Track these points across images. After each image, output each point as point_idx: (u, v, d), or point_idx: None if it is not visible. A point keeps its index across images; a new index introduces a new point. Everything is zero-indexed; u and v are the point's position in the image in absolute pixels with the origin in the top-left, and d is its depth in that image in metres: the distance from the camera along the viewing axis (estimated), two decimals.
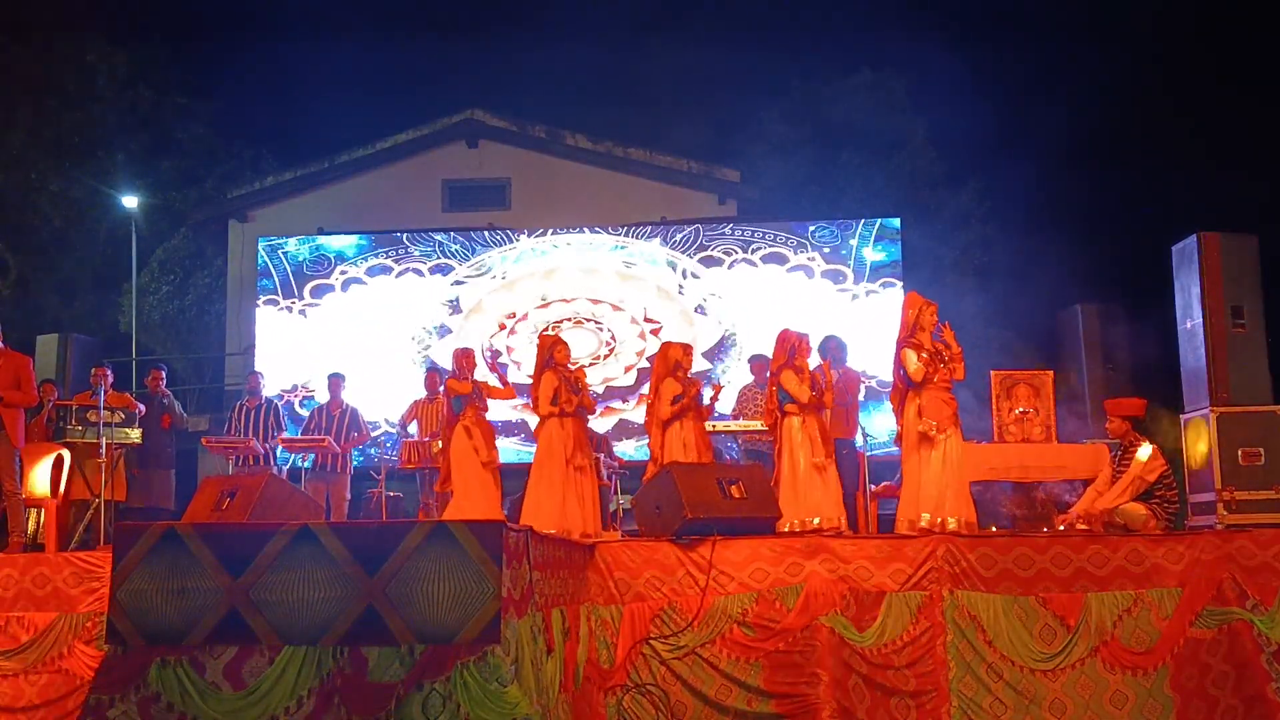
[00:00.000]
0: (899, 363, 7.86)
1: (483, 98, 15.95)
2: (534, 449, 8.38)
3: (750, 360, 10.68)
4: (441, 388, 9.56)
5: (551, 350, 8.24)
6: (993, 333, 16.74)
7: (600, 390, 12.96)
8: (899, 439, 8.00)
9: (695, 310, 13.56)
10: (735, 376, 12.29)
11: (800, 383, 8.01)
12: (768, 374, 10.18)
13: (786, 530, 7.44)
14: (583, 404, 8.22)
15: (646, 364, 13.34)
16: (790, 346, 8.19)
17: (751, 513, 7.12)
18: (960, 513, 7.53)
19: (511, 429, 13.18)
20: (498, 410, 12.51)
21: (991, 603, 6.75)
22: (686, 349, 8.52)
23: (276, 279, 14.03)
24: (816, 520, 7.67)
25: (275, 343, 13.84)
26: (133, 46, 19.44)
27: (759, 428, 9.67)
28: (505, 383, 9.04)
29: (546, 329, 13.33)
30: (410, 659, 5.31)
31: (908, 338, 7.89)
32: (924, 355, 7.71)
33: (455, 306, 13.81)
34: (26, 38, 18.32)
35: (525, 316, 13.71)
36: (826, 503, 7.82)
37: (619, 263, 13.76)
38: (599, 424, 12.19)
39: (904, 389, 7.89)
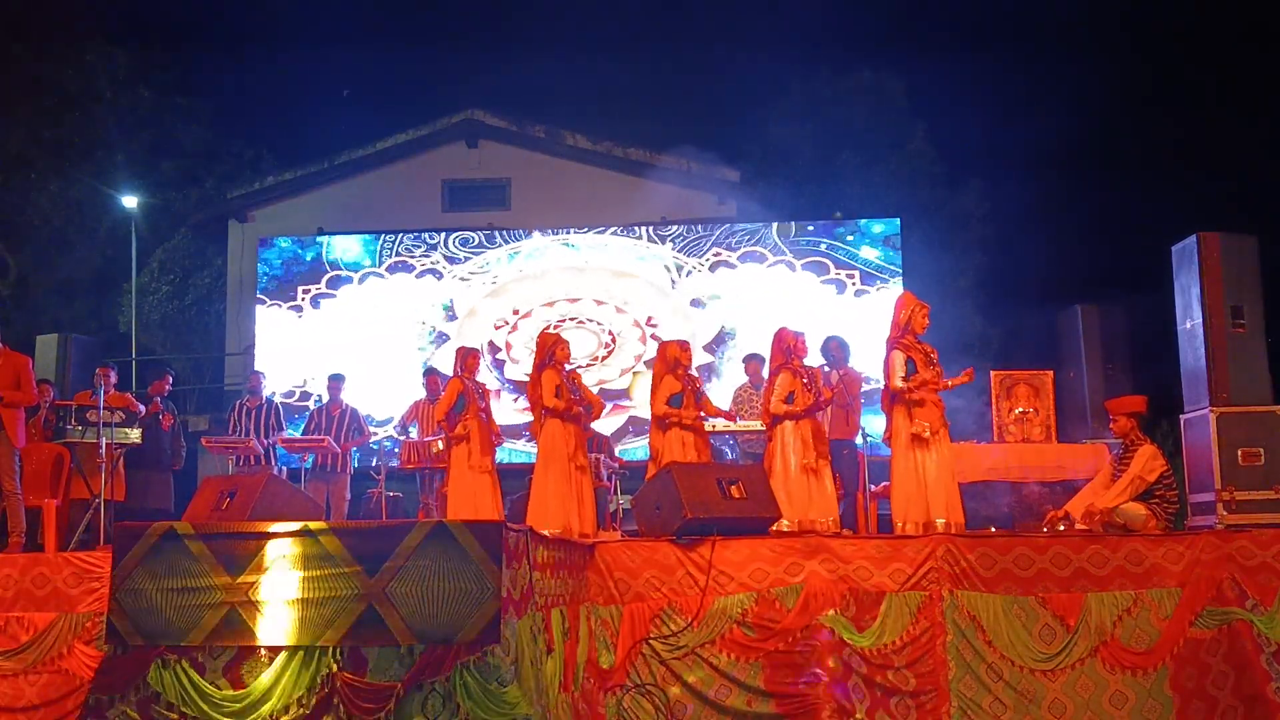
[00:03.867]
0: (887, 365, 7.86)
1: (483, 98, 15.94)
2: (529, 449, 8.37)
3: (745, 360, 10.67)
4: (443, 387, 9.54)
5: (553, 349, 8.21)
6: (993, 333, 16.76)
7: (596, 391, 12.96)
8: (887, 437, 8.00)
9: (695, 309, 13.56)
10: (732, 377, 12.29)
11: (786, 390, 8.01)
12: (764, 374, 10.21)
13: (773, 531, 7.42)
14: (586, 401, 8.20)
15: (644, 367, 13.35)
16: (787, 347, 8.17)
17: (751, 513, 7.12)
18: (953, 515, 7.56)
19: (516, 431, 13.17)
20: (501, 413, 12.54)
21: (991, 603, 6.75)
22: (684, 346, 8.42)
23: (276, 279, 14.03)
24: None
25: (275, 343, 13.84)
26: (133, 46, 19.43)
27: (758, 428, 9.67)
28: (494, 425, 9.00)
29: (547, 328, 13.34)
30: (410, 659, 5.32)
31: (897, 339, 7.89)
32: (914, 357, 7.73)
33: (454, 306, 13.81)
34: (26, 38, 18.31)
35: (527, 315, 13.71)
36: (815, 506, 7.81)
37: (618, 263, 13.75)
38: (604, 424, 12.21)
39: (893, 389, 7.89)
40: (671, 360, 8.28)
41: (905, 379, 7.72)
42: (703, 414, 8.42)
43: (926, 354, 7.82)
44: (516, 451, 12.89)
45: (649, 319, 13.61)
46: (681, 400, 8.22)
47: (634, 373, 13.43)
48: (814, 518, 7.77)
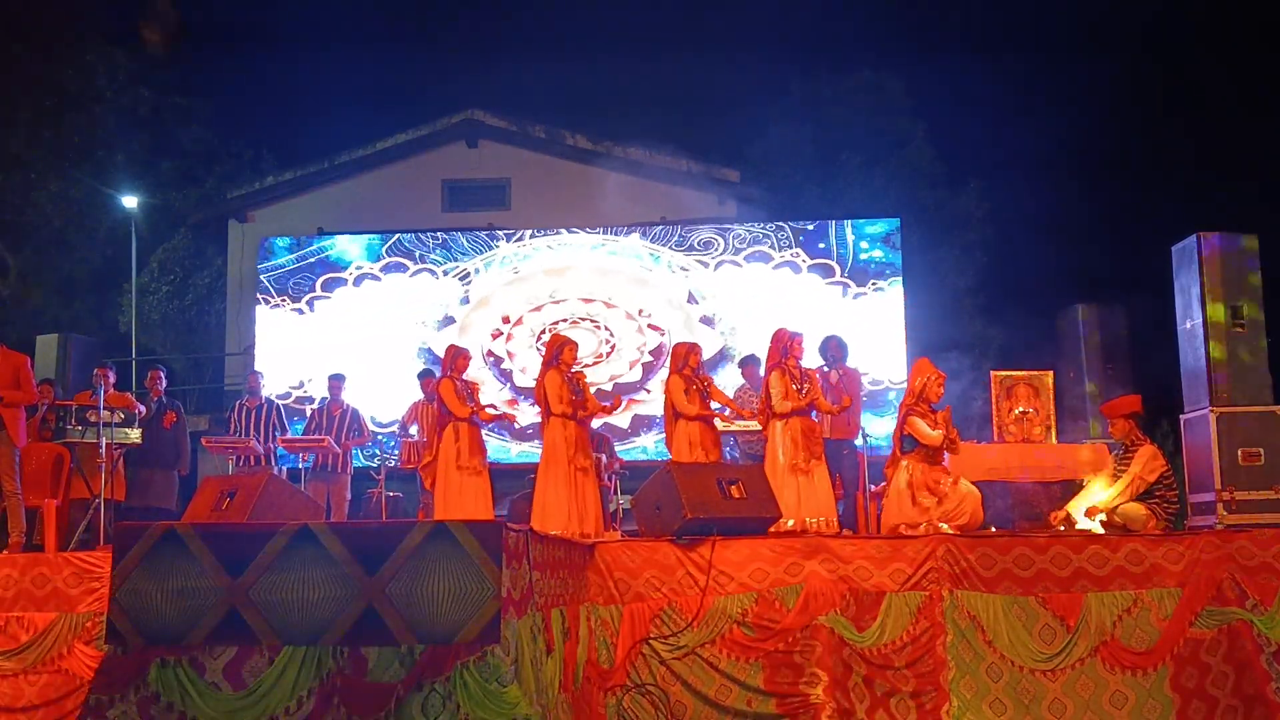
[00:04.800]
0: (905, 430, 7.86)
1: (483, 98, 15.97)
2: (519, 447, 8.37)
3: (742, 363, 10.69)
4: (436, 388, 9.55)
5: (560, 350, 8.26)
6: (993, 333, 16.77)
7: (609, 387, 12.99)
8: (884, 492, 8.02)
9: (694, 309, 13.56)
10: (730, 377, 12.29)
11: (784, 388, 8.02)
12: (761, 375, 10.22)
13: (772, 531, 7.42)
14: (584, 405, 8.23)
15: (650, 358, 13.36)
16: (782, 346, 8.23)
17: (751, 513, 7.12)
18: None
19: (516, 432, 13.16)
20: (521, 413, 12.53)
21: (991, 603, 6.75)
22: (692, 347, 8.60)
23: (276, 279, 14.03)
24: (791, 523, 7.68)
25: (275, 343, 13.84)
26: (133, 46, 19.42)
27: (757, 428, 9.68)
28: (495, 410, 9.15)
29: (551, 326, 13.35)
30: (410, 659, 5.31)
31: (913, 405, 7.88)
32: (930, 422, 7.77)
33: (455, 306, 13.81)
34: (26, 38, 18.30)
35: (524, 318, 13.71)
36: (807, 506, 7.82)
37: (618, 263, 13.75)
38: (615, 420, 12.27)
39: (900, 456, 7.89)
40: (680, 360, 8.43)
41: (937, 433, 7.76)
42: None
43: (938, 423, 7.82)
44: (510, 451, 12.90)
45: (644, 313, 13.61)
46: (686, 398, 8.33)
47: (642, 364, 13.45)
48: (805, 517, 7.78)
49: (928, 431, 7.75)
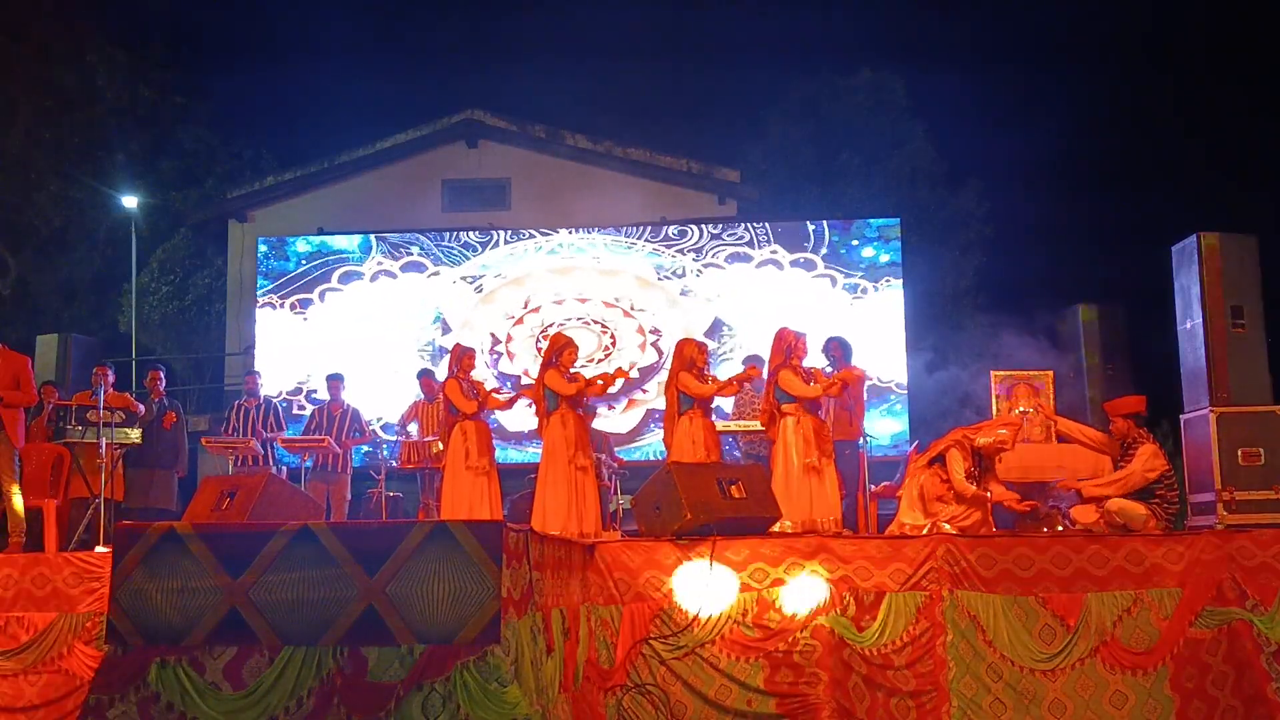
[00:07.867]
0: (945, 454, 7.85)
1: (483, 98, 15.98)
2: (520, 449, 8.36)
3: (744, 364, 10.67)
4: (439, 388, 9.55)
5: (561, 350, 8.25)
6: (993, 333, 16.76)
7: (635, 375, 12.98)
8: (900, 486, 8.03)
9: (694, 309, 13.55)
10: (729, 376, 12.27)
11: (801, 381, 8.03)
12: (765, 374, 10.22)
13: (777, 531, 7.43)
14: (579, 399, 8.24)
15: (654, 352, 13.37)
16: (787, 346, 8.20)
17: (751, 513, 7.12)
18: None
19: (523, 435, 13.13)
20: (513, 417, 12.50)
21: (991, 603, 6.75)
22: (701, 346, 8.53)
23: (276, 279, 14.03)
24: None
25: (275, 343, 13.84)
26: (133, 46, 19.44)
27: (759, 428, 9.67)
28: (504, 395, 9.13)
29: (548, 327, 13.34)
30: (410, 659, 5.32)
31: (962, 440, 7.87)
32: (966, 465, 7.77)
33: (455, 306, 13.81)
34: (26, 38, 18.31)
35: (524, 318, 13.71)
36: (819, 505, 7.82)
37: (618, 263, 13.75)
38: (622, 420, 12.23)
39: (924, 465, 7.89)
40: (687, 359, 8.37)
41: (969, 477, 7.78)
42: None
43: (973, 473, 7.82)
44: (525, 452, 12.89)
45: (648, 318, 13.61)
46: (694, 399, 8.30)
47: (640, 369, 13.45)
48: (815, 517, 7.78)
49: (960, 477, 7.72)
